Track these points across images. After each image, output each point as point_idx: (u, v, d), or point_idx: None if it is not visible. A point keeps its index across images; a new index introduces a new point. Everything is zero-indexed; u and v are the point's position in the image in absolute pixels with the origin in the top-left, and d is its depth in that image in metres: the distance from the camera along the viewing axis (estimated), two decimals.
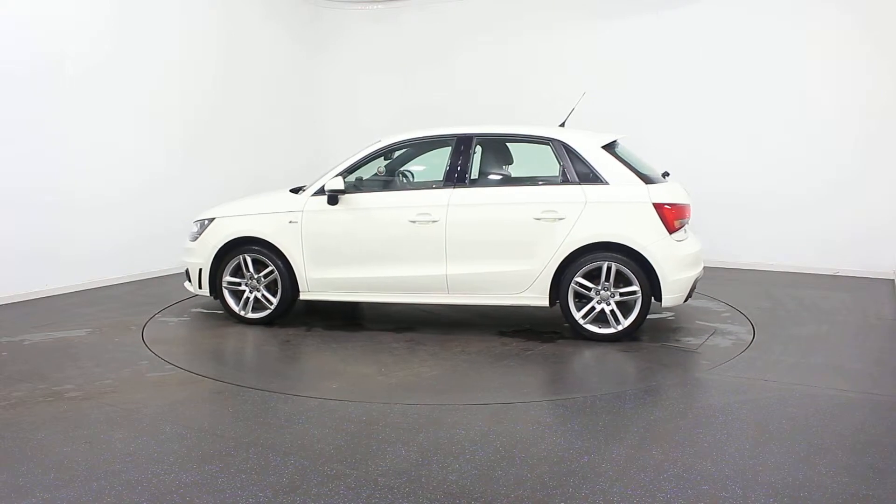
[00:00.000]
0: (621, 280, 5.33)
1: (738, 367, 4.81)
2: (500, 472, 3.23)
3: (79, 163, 7.38)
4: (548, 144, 5.64)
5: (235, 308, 6.00)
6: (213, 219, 6.11)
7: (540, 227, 5.40)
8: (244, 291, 5.98)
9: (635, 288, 5.28)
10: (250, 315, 5.98)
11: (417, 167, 6.34)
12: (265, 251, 5.88)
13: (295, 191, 6.05)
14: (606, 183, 5.40)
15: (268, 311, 5.93)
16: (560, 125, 6.21)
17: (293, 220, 5.81)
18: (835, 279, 7.84)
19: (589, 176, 5.45)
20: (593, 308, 5.37)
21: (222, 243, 5.96)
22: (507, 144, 6.00)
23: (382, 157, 6.08)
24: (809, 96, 8.17)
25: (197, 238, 6.13)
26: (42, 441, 3.60)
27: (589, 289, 5.37)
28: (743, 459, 3.35)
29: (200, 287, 6.09)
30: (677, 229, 5.34)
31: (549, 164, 5.66)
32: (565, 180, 5.50)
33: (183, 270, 6.45)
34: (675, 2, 8.77)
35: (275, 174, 9.48)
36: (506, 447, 3.51)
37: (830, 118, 8.07)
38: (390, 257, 5.68)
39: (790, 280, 7.78)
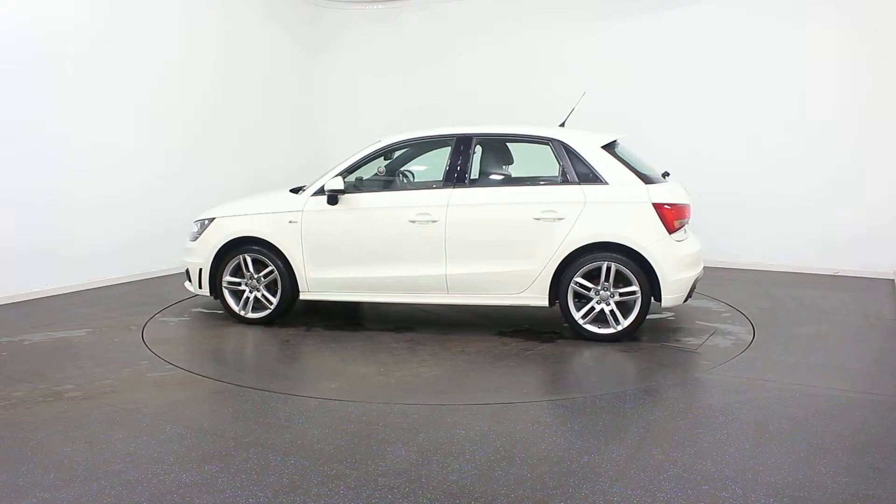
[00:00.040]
0: (621, 280, 5.33)
1: (738, 367, 4.81)
2: (500, 472, 3.23)
3: (79, 163, 7.38)
4: (547, 144, 5.64)
5: (235, 308, 6.00)
6: (214, 219, 6.11)
7: (539, 227, 5.40)
8: (244, 291, 5.98)
9: (635, 288, 5.28)
10: (250, 315, 5.98)
11: (417, 167, 6.34)
12: (265, 251, 5.88)
13: (295, 191, 6.05)
14: (606, 183, 5.40)
15: (268, 311, 5.94)
16: (560, 125, 6.21)
17: (293, 220, 5.81)
18: (835, 279, 7.84)
19: (589, 176, 5.45)
20: (593, 308, 5.37)
21: (222, 243, 5.96)
22: (507, 144, 6.00)
23: (382, 157, 6.09)
24: (809, 96, 8.17)
25: (197, 238, 6.13)
26: (42, 441, 3.60)
27: (588, 289, 5.37)
28: (743, 459, 3.35)
29: (200, 287, 6.09)
30: (677, 229, 5.34)
31: (548, 164, 5.66)
32: (565, 180, 5.50)
33: (183, 270, 6.46)
34: (675, 2, 8.77)
35: (275, 174, 9.48)
36: (506, 447, 3.51)
37: (830, 118, 8.07)
38: (390, 257, 5.68)
39: (790, 280, 7.78)
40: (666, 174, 5.91)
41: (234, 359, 5.38)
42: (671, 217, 5.30)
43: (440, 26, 10.26)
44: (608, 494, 3.02)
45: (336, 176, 5.73)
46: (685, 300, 5.46)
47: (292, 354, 5.33)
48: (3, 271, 6.72)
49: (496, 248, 5.49)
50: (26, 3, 6.83)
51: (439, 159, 5.89)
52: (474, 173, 5.76)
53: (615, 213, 5.36)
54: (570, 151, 5.53)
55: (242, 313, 5.99)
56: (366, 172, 6.00)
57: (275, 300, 5.90)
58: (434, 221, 5.54)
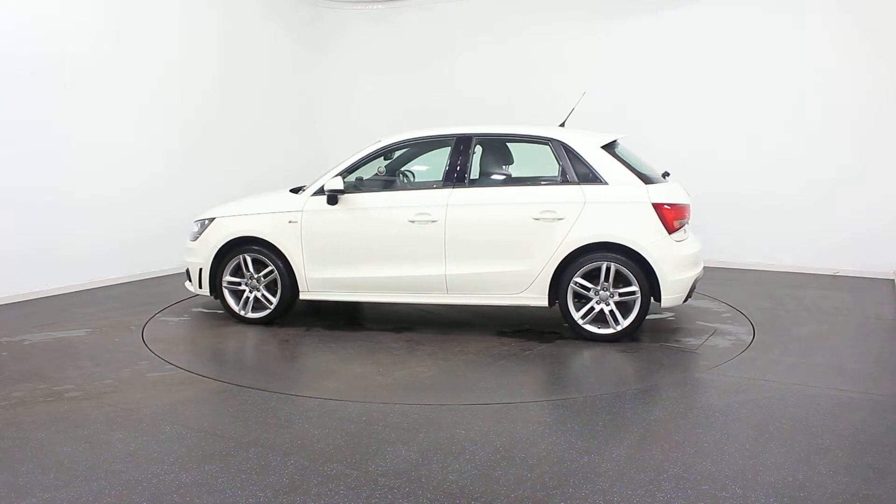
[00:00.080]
0: (620, 280, 5.33)
1: (738, 367, 4.81)
2: (500, 472, 3.24)
3: (79, 163, 7.38)
4: (547, 144, 5.64)
5: (235, 308, 6.00)
6: (214, 218, 6.11)
7: (539, 227, 5.40)
8: (244, 291, 5.98)
9: (634, 288, 5.28)
10: (250, 315, 5.98)
11: (417, 167, 6.34)
12: (265, 251, 5.88)
13: (295, 191, 6.05)
14: (606, 183, 5.40)
15: (267, 311, 5.94)
16: (560, 125, 6.21)
17: (293, 220, 5.81)
18: (835, 279, 7.84)
19: (588, 176, 5.45)
20: (592, 308, 5.37)
21: (222, 243, 5.96)
22: (507, 144, 6.00)
23: (382, 158, 6.09)
24: (809, 96, 8.17)
25: (197, 238, 6.13)
26: (42, 441, 3.60)
27: (588, 289, 5.37)
28: (743, 459, 3.35)
29: (201, 287, 6.09)
30: (677, 229, 5.34)
31: (548, 164, 5.65)
32: (564, 180, 5.50)
33: (183, 270, 6.47)
34: (675, 2, 8.77)
35: (275, 174, 9.47)
36: (506, 447, 3.51)
37: (830, 118, 8.07)
38: (389, 257, 5.68)
39: (790, 280, 7.78)
40: (666, 174, 5.91)
41: (233, 359, 5.38)
42: (671, 217, 5.30)
43: (440, 26, 10.26)
44: (608, 494, 3.02)
45: (336, 176, 5.73)
46: (685, 300, 5.46)
47: (291, 354, 5.33)
48: (3, 271, 6.72)
49: (496, 249, 5.49)
50: (26, 3, 6.83)
51: (439, 159, 5.89)
52: (474, 173, 5.76)
53: (615, 213, 5.36)
54: (570, 151, 5.53)
55: (242, 313, 5.99)
56: (366, 172, 6.00)
57: (275, 300, 5.90)
58: (434, 221, 5.54)
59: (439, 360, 4.99)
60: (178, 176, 8.46)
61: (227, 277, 5.98)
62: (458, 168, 5.65)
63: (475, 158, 5.77)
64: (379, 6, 10.65)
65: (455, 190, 5.59)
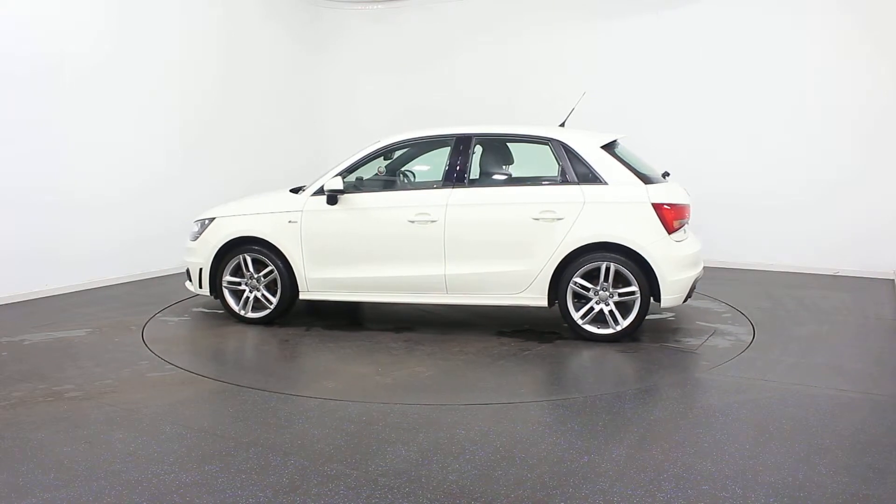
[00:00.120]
0: (620, 280, 5.32)
1: (737, 367, 4.81)
2: (500, 472, 3.24)
3: (79, 163, 7.38)
4: (547, 144, 5.64)
5: (235, 308, 6.01)
6: (214, 218, 6.11)
7: (538, 227, 5.40)
8: (244, 291, 5.98)
9: (634, 288, 5.28)
10: (250, 315, 5.98)
11: (417, 167, 6.34)
12: (265, 251, 5.89)
13: (295, 191, 6.05)
14: (605, 183, 5.40)
15: (267, 311, 5.94)
16: (560, 125, 6.21)
17: (293, 220, 5.81)
18: (835, 279, 7.84)
19: (588, 176, 5.45)
20: (592, 308, 5.37)
21: (222, 243, 5.96)
22: (507, 144, 6.00)
23: (382, 158, 6.09)
24: (809, 96, 8.17)
25: (197, 238, 6.14)
26: (42, 441, 3.60)
27: (588, 289, 5.37)
28: (743, 459, 3.35)
29: (201, 286, 6.09)
30: (676, 229, 5.33)
31: (548, 164, 5.65)
32: (564, 180, 5.50)
33: (184, 270, 6.47)
34: (675, 2, 8.77)
35: (275, 174, 9.48)
36: (506, 447, 3.51)
37: (830, 118, 8.07)
38: (389, 257, 5.68)
39: (790, 280, 7.78)
40: (666, 174, 5.91)
41: (233, 358, 5.38)
42: (670, 217, 5.30)
43: (440, 26, 10.26)
44: (608, 494, 3.02)
45: (336, 176, 5.73)
46: (685, 300, 5.46)
47: (291, 354, 5.33)
48: (3, 271, 6.72)
49: (495, 249, 5.49)
50: (26, 3, 6.83)
51: (439, 159, 5.89)
52: (474, 173, 5.76)
53: (614, 213, 5.35)
54: (570, 151, 5.53)
55: (242, 313, 5.99)
56: (366, 172, 6.00)
57: (274, 300, 5.90)
58: (433, 221, 5.54)
59: (438, 360, 4.99)
60: (178, 176, 8.46)
61: (227, 277, 5.99)
62: (458, 168, 5.65)
63: (475, 158, 5.78)
64: (379, 6, 10.65)
65: (455, 190, 5.59)
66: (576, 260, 5.35)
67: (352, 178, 5.88)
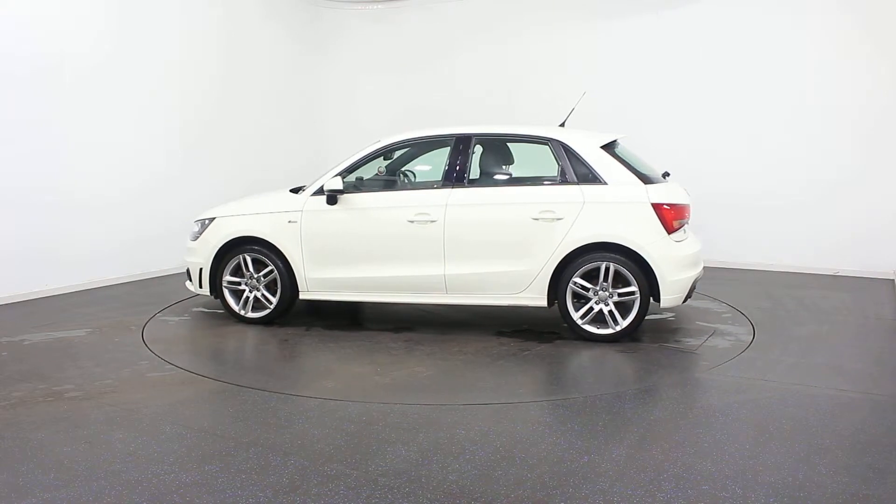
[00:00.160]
0: (620, 280, 5.32)
1: (737, 367, 4.81)
2: (500, 472, 3.24)
3: (79, 163, 7.38)
4: (546, 144, 5.64)
5: (235, 307, 6.01)
6: (214, 218, 6.11)
7: (538, 227, 5.39)
8: (244, 291, 5.99)
9: (633, 288, 5.27)
10: (250, 314, 5.98)
11: (417, 167, 6.34)
12: (265, 251, 5.89)
13: (295, 191, 6.05)
14: (605, 183, 5.40)
15: (267, 311, 5.94)
16: (560, 125, 6.21)
17: (292, 220, 5.81)
18: (835, 279, 7.84)
19: (587, 176, 5.45)
20: (591, 308, 5.37)
21: (222, 243, 5.97)
22: (507, 144, 6.00)
23: (382, 158, 6.09)
24: (809, 96, 8.17)
25: (198, 237, 6.14)
26: (42, 441, 3.60)
27: (587, 289, 5.37)
28: (743, 459, 3.35)
29: (201, 286, 6.10)
30: (676, 230, 5.33)
31: (548, 164, 5.65)
32: (564, 180, 5.50)
33: (184, 270, 6.47)
34: (675, 2, 8.77)
35: (275, 174, 9.48)
36: (506, 447, 3.51)
37: (830, 118, 8.07)
38: (389, 257, 5.68)
39: (790, 280, 7.78)
40: (666, 174, 5.91)
41: (233, 358, 5.38)
42: (670, 217, 5.30)
43: (440, 26, 10.26)
44: (608, 494, 3.02)
45: (335, 176, 5.73)
46: (684, 300, 5.45)
47: (290, 354, 5.33)
48: (3, 271, 6.72)
49: (495, 248, 5.48)
50: (26, 3, 6.83)
51: (439, 159, 5.90)
52: (473, 173, 5.76)
53: (614, 213, 5.35)
54: (569, 151, 5.53)
55: (242, 313, 6.00)
56: (366, 172, 6.00)
57: (274, 300, 5.90)
58: (433, 221, 5.54)
59: (438, 360, 4.99)
60: (178, 176, 8.46)
61: (227, 277, 5.99)
62: (458, 168, 5.65)
63: (474, 158, 5.78)
64: (379, 6, 10.65)
65: (454, 190, 5.59)
66: (575, 260, 5.35)
67: (352, 178, 5.88)
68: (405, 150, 6.16)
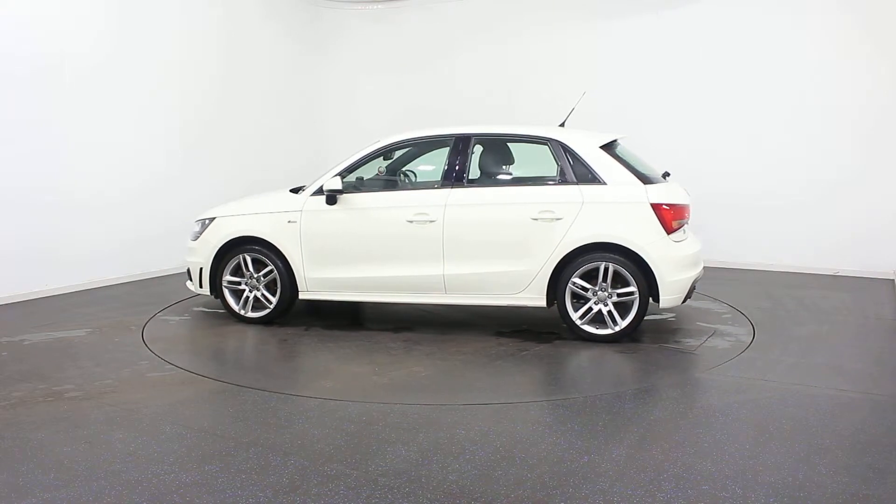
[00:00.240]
0: (619, 280, 5.32)
1: (737, 367, 4.81)
2: (500, 472, 3.24)
3: (79, 163, 7.38)
4: (546, 144, 5.64)
5: (235, 307, 6.01)
6: (214, 218, 6.12)
7: (537, 227, 5.39)
8: (244, 290, 5.99)
9: (633, 289, 5.27)
10: (250, 314, 5.99)
11: (417, 167, 6.34)
12: (265, 251, 5.89)
13: (295, 191, 6.05)
14: (604, 183, 5.40)
15: (267, 311, 5.94)
16: (560, 125, 6.21)
17: (292, 220, 5.81)
18: (835, 279, 7.84)
19: (587, 176, 5.45)
20: (591, 309, 5.37)
21: (222, 242, 5.97)
22: (506, 144, 5.99)
23: (381, 158, 6.09)
24: (809, 96, 8.17)
25: (198, 237, 6.14)
26: (42, 441, 3.60)
27: (586, 289, 5.37)
28: (743, 459, 3.35)
29: (201, 286, 6.10)
30: (676, 230, 5.33)
31: (547, 164, 5.65)
32: (563, 180, 5.49)
33: (184, 270, 6.48)
34: (675, 2, 8.77)
35: (275, 174, 9.48)
36: (506, 447, 3.51)
37: (830, 118, 8.07)
38: (388, 257, 5.68)
39: (790, 280, 7.78)
40: (666, 174, 5.91)
41: (233, 358, 5.38)
42: (669, 217, 5.30)
43: (440, 26, 10.26)
44: (608, 494, 3.02)
45: (335, 176, 5.74)
46: (684, 301, 5.45)
47: (289, 354, 5.34)
48: (3, 271, 6.72)
49: (494, 249, 5.48)
50: (26, 3, 6.83)
51: (439, 159, 5.90)
52: (473, 173, 5.76)
53: (613, 213, 5.35)
54: (569, 151, 5.52)
55: (242, 312, 6.00)
56: (366, 172, 6.00)
57: (274, 300, 5.91)
58: (432, 221, 5.54)
59: (436, 360, 4.99)
60: (178, 176, 8.46)
61: (227, 277, 5.99)
62: (457, 168, 5.65)
63: (474, 158, 5.77)
64: (379, 6, 10.65)
65: (453, 190, 5.59)
66: (574, 260, 5.35)
67: (351, 178, 5.88)
68: (405, 150, 6.16)
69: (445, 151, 5.79)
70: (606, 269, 5.29)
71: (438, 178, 5.74)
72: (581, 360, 5.14)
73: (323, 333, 5.76)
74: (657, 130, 8.61)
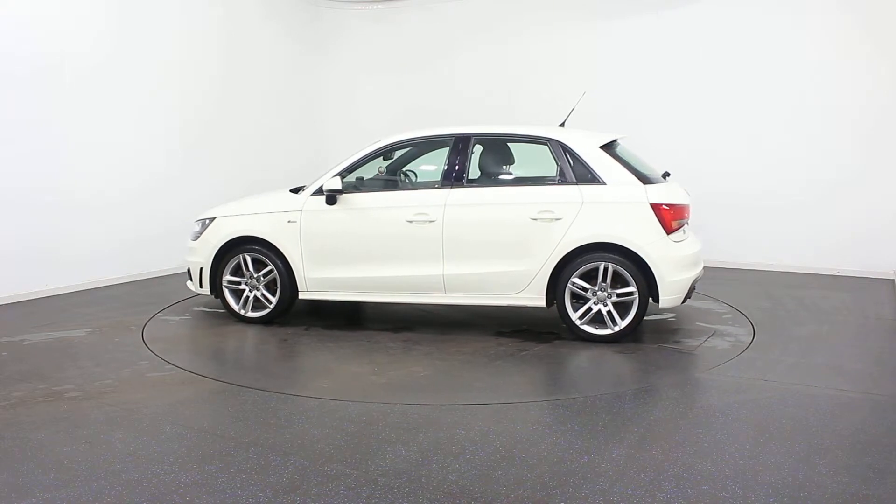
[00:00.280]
0: (619, 281, 5.32)
1: (737, 367, 4.81)
2: (500, 472, 3.24)
3: (79, 163, 7.38)
4: (545, 144, 5.64)
5: (235, 307, 6.01)
6: (214, 218, 6.12)
7: (537, 227, 5.39)
8: (244, 290, 5.99)
9: (632, 289, 5.27)
10: (250, 314, 5.99)
11: (417, 167, 6.34)
12: (264, 251, 5.89)
13: (295, 191, 6.06)
14: (604, 183, 5.40)
15: (267, 311, 5.94)
16: (560, 125, 6.21)
17: (292, 220, 5.81)
18: (835, 279, 7.84)
19: (586, 176, 5.44)
20: (590, 309, 5.37)
21: (222, 242, 5.97)
22: (506, 144, 5.99)
23: (381, 158, 6.09)
24: (809, 96, 8.17)
25: (198, 237, 6.15)
26: (42, 441, 3.60)
27: (586, 289, 5.36)
28: (743, 459, 3.35)
29: (201, 286, 6.10)
30: (675, 230, 5.33)
31: (547, 164, 5.65)
32: (563, 180, 5.49)
33: (184, 270, 6.48)
34: (675, 2, 8.77)
35: (275, 174, 9.48)
36: (506, 447, 3.51)
37: (830, 118, 8.07)
38: (388, 257, 5.68)
39: (790, 280, 7.78)
40: (666, 174, 5.91)
41: (233, 358, 5.38)
42: (669, 217, 5.29)
43: (440, 26, 10.26)
44: (608, 494, 3.02)
45: (335, 176, 5.74)
46: (684, 301, 5.45)
47: (289, 354, 5.34)
48: (3, 271, 6.72)
49: (494, 249, 5.48)
50: (26, 3, 6.83)
51: (439, 159, 5.90)
52: (472, 173, 5.76)
53: (612, 213, 5.35)
54: (568, 151, 5.52)
55: (242, 312, 6.00)
56: (366, 172, 6.00)
57: (274, 299, 5.91)
58: (432, 221, 5.54)
59: (436, 360, 4.99)
60: (178, 176, 8.46)
61: (228, 277, 5.99)
62: (457, 168, 5.65)
63: (474, 158, 5.77)
64: (379, 6, 10.65)
65: (453, 190, 5.59)
66: (574, 260, 5.35)
67: (351, 178, 5.88)
68: (405, 150, 6.16)
69: (445, 151, 5.79)
70: (606, 270, 5.29)
71: (438, 178, 5.74)
72: (581, 360, 5.14)
73: (323, 333, 5.76)
74: (657, 130, 8.61)
